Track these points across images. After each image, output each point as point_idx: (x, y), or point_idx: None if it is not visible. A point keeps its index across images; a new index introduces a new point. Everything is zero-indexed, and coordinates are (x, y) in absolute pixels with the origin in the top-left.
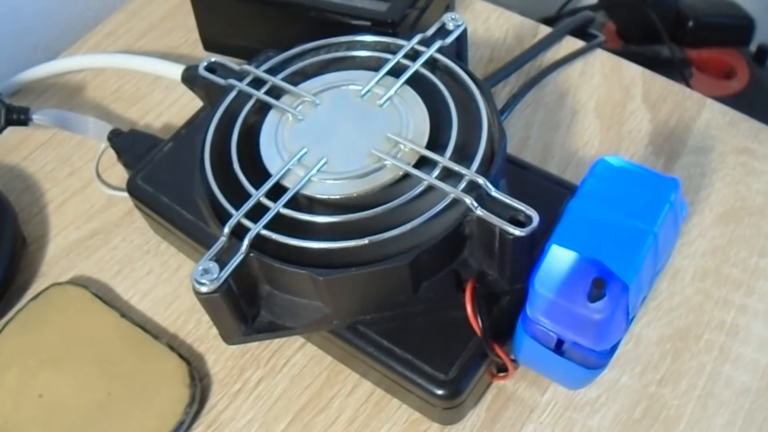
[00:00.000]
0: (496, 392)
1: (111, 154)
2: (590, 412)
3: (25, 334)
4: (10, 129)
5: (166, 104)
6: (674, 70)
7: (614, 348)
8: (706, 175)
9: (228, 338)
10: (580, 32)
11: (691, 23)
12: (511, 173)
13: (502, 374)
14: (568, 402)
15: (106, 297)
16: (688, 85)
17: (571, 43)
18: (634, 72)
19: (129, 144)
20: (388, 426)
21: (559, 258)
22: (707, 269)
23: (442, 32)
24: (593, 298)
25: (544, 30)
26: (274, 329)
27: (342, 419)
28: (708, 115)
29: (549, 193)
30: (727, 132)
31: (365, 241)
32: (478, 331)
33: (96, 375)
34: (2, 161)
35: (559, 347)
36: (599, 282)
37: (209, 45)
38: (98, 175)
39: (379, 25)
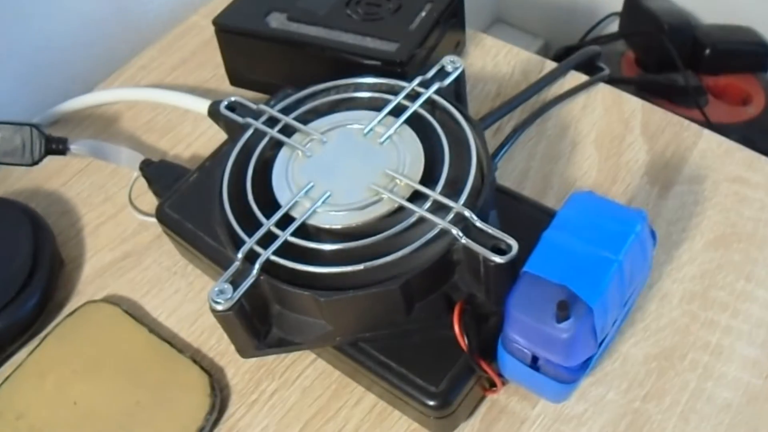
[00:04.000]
0: (490, 405)
1: (143, 181)
2: (577, 425)
3: (62, 346)
4: (50, 158)
5: (195, 135)
6: (689, 97)
7: (586, 364)
8: (699, 203)
9: (242, 352)
10: (587, 65)
11: (708, 51)
12: (505, 203)
13: (492, 388)
14: (556, 415)
15: (136, 314)
16: (702, 112)
17: (575, 78)
18: (634, 105)
19: (158, 173)
20: None
21: (531, 283)
22: (695, 292)
23: (442, 74)
24: (559, 319)
25: (550, 65)
26: (283, 345)
27: (348, 428)
28: (704, 145)
29: (537, 222)
30: (722, 161)
31: (361, 266)
32: (465, 349)
33: (126, 385)
34: (42, 187)
35: (535, 363)
36: (563, 305)
37: (235, 80)
38: (131, 202)
39: (388, 65)
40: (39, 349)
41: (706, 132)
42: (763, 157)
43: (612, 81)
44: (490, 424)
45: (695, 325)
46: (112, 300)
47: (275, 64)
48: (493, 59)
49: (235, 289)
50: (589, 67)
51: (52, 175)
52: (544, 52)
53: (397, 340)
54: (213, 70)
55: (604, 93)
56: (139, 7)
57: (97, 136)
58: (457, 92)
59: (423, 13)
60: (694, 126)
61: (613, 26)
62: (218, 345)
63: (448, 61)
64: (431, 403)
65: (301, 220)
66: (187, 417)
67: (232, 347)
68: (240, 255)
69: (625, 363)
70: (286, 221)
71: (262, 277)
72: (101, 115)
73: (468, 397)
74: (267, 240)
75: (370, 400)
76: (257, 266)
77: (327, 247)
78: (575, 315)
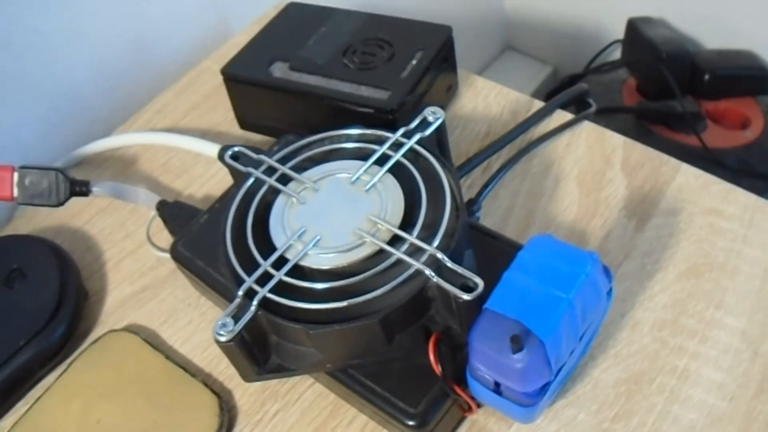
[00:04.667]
0: (470, 425)
1: (160, 219)
2: None
3: (86, 372)
4: (74, 198)
5: (207, 177)
6: (687, 123)
7: (545, 389)
8: (674, 235)
9: (245, 377)
10: (576, 101)
11: (707, 77)
12: (483, 242)
13: (469, 410)
14: None
15: (153, 342)
16: (699, 138)
17: (561, 116)
18: (616, 142)
19: (173, 213)
20: None
21: (491, 318)
22: (666, 320)
23: (424, 124)
24: (514, 351)
25: (538, 105)
26: (281, 371)
27: None
28: (682, 179)
29: (511, 259)
30: (698, 194)
31: (345, 303)
32: (439, 375)
33: (144, 406)
34: (67, 225)
35: (498, 387)
36: (516, 338)
37: (243, 124)
38: (149, 239)
39: (380, 113)
40: (66, 374)
41: (684, 166)
42: (738, 189)
43: (612, 110)
44: None
45: (665, 350)
46: (132, 329)
47: (279, 110)
48: (484, 100)
49: (236, 322)
50: (579, 102)
51: (76, 214)
52: (553, 78)
53: (381, 367)
54: (224, 114)
55: (588, 131)
56: (155, 53)
57: (116, 177)
58: (438, 140)
59: (414, 61)
60: (673, 161)
61: (617, 53)
62: (227, 370)
63: (430, 112)
64: (410, 423)
65: (294, 262)
66: None
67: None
68: (240, 293)
69: (596, 387)
70: (281, 262)
71: (259, 312)
72: (120, 157)
73: (446, 418)
74: (264, 279)
75: (361, 420)
76: (255, 303)
77: (316, 285)
78: (528, 347)
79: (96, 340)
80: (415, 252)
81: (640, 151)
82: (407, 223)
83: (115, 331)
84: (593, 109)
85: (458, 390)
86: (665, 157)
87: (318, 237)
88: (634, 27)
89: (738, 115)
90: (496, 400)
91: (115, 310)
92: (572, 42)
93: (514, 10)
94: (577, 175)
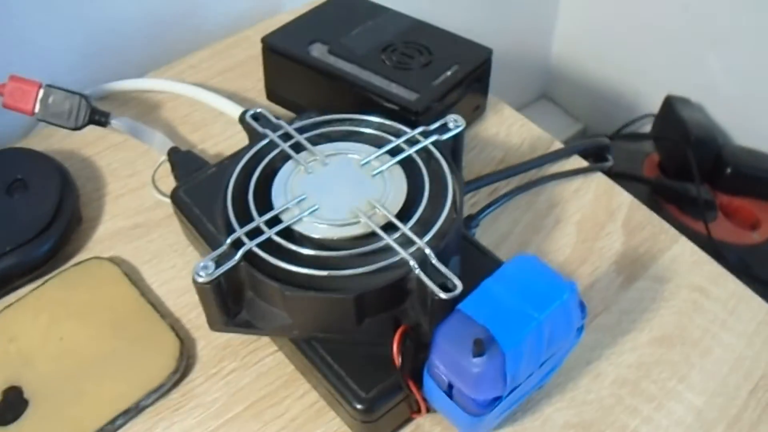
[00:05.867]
0: (414, 428)
1: (167, 166)
2: None
3: (61, 289)
4: (91, 127)
5: (223, 137)
6: (698, 209)
7: (493, 404)
8: (657, 301)
9: (212, 324)
10: (595, 154)
11: (729, 170)
12: (472, 254)
13: (417, 412)
14: None
15: (133, 277)
16: (706, 226)
17: (578, 162)
18: (623, 199)
19: (183, 161)
20: (322, 430)
21: (461, 320)
22: (628, 379)
23: (443, 129)
24: (474, 354)
25: (558, 146)
26: (248, 326)
27: (286, 416)
28: (677, 251)
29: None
30: (690, 269)
31: (325, 273)
32: (397, 365)
33: (108, 333)
34: (79, 152)
35: (450, 390)
36: (479, 342)
37: (271, 95)
38: (153, 181)
39: (405, 111)
40: (41, 288)
41: (683, 239)
42: (729, 275)
43: (629, 176)
44: None
45: (619, 407)
46: (115, 260)
47: (308, 89)
48: (507, 128)
49: (216, 267)
50: (597, 156)
51: (90, 144)
52: (581, 136)
53: (345, 347)
54: (254, 83)
55: (599, 182)
56: (203, 14)
57: (137, 118)
58: (454, 148)
59: (449, 72)
60: (674, 232)
61: (648, 127)
62: (196, 319)
63: (452, 119)
64: (358, 406)
65: (287, 224)
66: (153, 372)
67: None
68: (228, 240)
69: (544, 423)
70: (274, 222)
71: (242, 264)
72: (146, 100)
73: (394, 412)
74: (255, 233)
75: (313, 397)
76: (240, 253)
77: (302, 250)
78: (489, 355)
79: (79, 263)
80: (404, 243)
81: (644, 214)
82: (404, 215)
83: (99, 258)
84: (610, 163)
85: (412, 386)
86: (667, 226)
87: (316, 206)
88: (670, 104)
89: (750, 215)
90: (446, 404)
91: (105, 240)
92: (608, 105)
93: (559, 61)
94: (578, 220)
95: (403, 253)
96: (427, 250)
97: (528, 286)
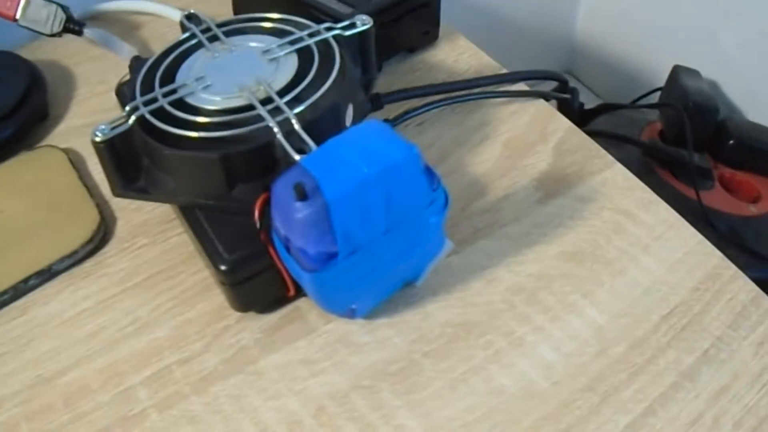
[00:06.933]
0: (292, 309)
1: None
2: (354, 350)
3: (12, 170)
4: (75, 39)
5: None
6: (692, 176)
7: (328, 261)
8: (574, 219)
9: (113, 190)
10: (559, 89)
11: (731, 142)
12: None
13: (288, 291)
14: (341, 338)
15: (78, 165)
16: (697, 194)
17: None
18: (561, 125)
19: (140, 67)
20: (206, 303)
21: (298, 172)
22: (525, 288)
23: (350, 27)
24: (296, 198)
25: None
26: (141, 192)
27: (179, 288)
28: (608, 175)
29: None
30: (619, 193)
31: (196, 134)
32: (258, 226)
33: (42, 209)
34: (59, 61)
35: (288, 246)
36: (299, 186)
37: (236, 12)
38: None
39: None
40: None
41: (618, 166)
42: (663, 204)
43: (622, 138)
44: (283, 323)
45: (509, 313)
46: (66, 150)
47: (262, 4)
48: (457, 56)
49: (112, 129)
50: (561, 91)
51: (71, 55)
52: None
53: (222, 215)
54: (229, 9)
55: (538, 107)
56: None
57: (118, 35)
58: (362, 47)
59: None
60: (609, 158)
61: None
62: (122, 204)
63: (360, 19)
64: (222, 267)
65: (180, 95)
66: (70, 241)
67: (130, 206)
68: (127, 108)
69: (424, 319)
70: (173, 95)
71: (134, 127)
72: (129, 21)
73: (260, 282)
74: (151, 103)
75: (204, 275)
76: (133, 117)
77: (187, 117)
78: (312, 201)
79: (32, 147)
80: (277, 115)
81: (580, 139)
82: (285, 94)
83: (51, 146)
84: (564, 97)
85: (271, 250)
86: (602, 152)
87: (210, 83)
88: (675, 73)
89: (751, 188)
90: (286, 259)
91: (63, 134)
92: (627, 80)
93: (583, 39)
94: (507, 138)
95: (270, 120)
96: (293, 120)
97: (369, 147)
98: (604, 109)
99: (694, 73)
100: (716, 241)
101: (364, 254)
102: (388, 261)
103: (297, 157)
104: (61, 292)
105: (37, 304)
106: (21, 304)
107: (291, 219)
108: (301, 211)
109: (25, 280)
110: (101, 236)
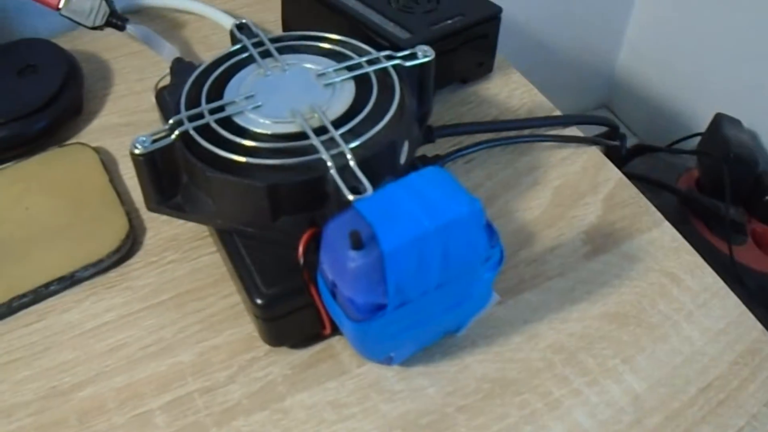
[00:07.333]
0: (325, 347)
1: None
2: (386, 398)
3: (41, 166)
4: (117, 33)
5: None
6: (726, 229)
7: (376, 313)
8: (620, 278)
9: (147, 203)
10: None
11: (767, 198)
12: None
13: (324, 328)
14: (374, 383)
15: (109, 166)
16: (729, 248)
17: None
18: (612, 175)
19: (182, 70)
20: (234, 331)
21: (353, 216)
22: (566, 347)
23: (410, 57)
24: (351, 246)
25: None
26: (178, 209)
27: (206, 312)
28: (657, 234)
29: None
30: (666, 255)
31: (244, 159)
32: (301, 263)
33: (69, 210)
34: (98, 54)
35: (335, 291)
36: (355, 234)
37: (285, 27)
38: (156, 87)
39: (393, 48)
40: (24, 162)
41: (666, 225)
42: (708, 269)
43: (660, 184)
44: (315, 361)
45: (548, 373)
46: (98, 150)
47: (315, 20)
48: (510, 91)
49: (153, 142)
50: (611, 137)
51: (111, 49)
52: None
53: (262, 244)
54: (276, 17)
55: (591, 155)
56: None
57: (160, 33)
58: (420, 79)
59: (449, 21)
60: (658, 215)
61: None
62: (154, 217)
63: (421, 49)
64: (258, 300)
65: (228, 114)
66: (96, 248)
67: (161, 218)
68: (171, 121)
69: (462, 371)
70: (220, 113)
71: (177, 143)
72: (172, 19)
73: (296, 319)
74: (197, 118)
75: (234, 300)
76: (177, 132)
77: (234, 139)
78: (367, 251)
79: (63, 144)
80: (332, 148)
81: (631, 193)
82: (341, 124)
83: (83, 144)
84: (610, 143)
85: (313, 291)
86: (653, 209)
87: (260, 104)
88: (717, 121)
89: None
90: (333, 308)
91: (96, 131)
92: (665, 122)
93: (623, 74)
94: (557, 186)
95: (324, 153)
96: (349, 155)
97: (430, 197)
98: (642, 150)
99: (736, 123)
100: (747, 298)
101: (412, 307)
102: (435, 314)
103: (351, 197)
104: (82, 301)
105: (56, 310)
106: (39, 309)
107: (342, 266)
108: (356, 260)
109: (46, 285)
110: (129, 246)
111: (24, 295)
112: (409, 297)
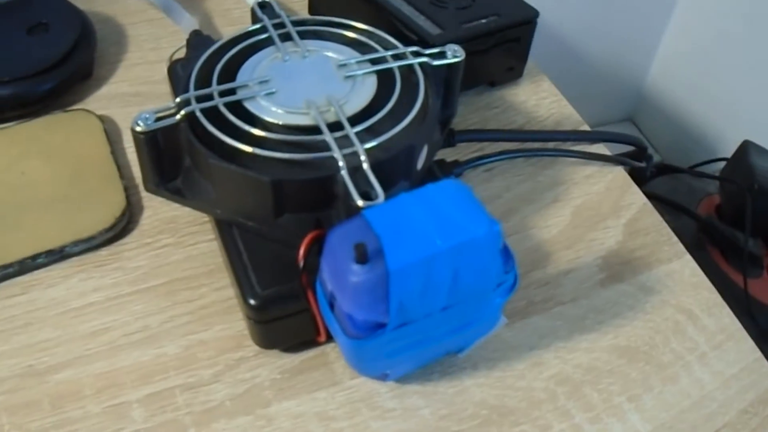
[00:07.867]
0: (318, 354)
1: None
2: (377, 415)
3: (42, 129)
4: (137, 2)
5: None
6: (742, 261)
7: (375, 331)
8: (634, 310)
9: (145, 184)
10: (636, 154)
11: None
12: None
13: (319, 335)
14: (366, 397)
15: (112, 137)
16: (745, 280)
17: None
18: (636, 199)
19: (198, 44)
20: (224, 326)
21: (360, 225)
22: (571, 378)
23: (439, 56)
24: (355, 260)
25: (587, 128)
26: (176, 193)
27: (198, 302)
28: (677, 267)
29: None
30: (685, 290)
31: (250, 149)
32: (300, 266)
33: (66, 179)
34: (115, 19)
35: (334, 301)
36: (360, 247)
37: (312, 8)
38: (170, 59)
39: (422, 44)
40: (25, 124)
41: (687, 257)
42: (726, 309)
43: (679, 208)
44: (306, 368)
45: (549, 405)
46: (103, 118)
47: (344, 6)
48: (539, 99)
49: (156, 120)
50: (637, 157)
51: (129, 14)
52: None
53: (263, 243)
54: None
55: (616, 175)
56: None
57: (180, 2)
58: (447, 80)
59: (483, 20)
60: (680, 247)
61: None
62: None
63: (452, 49)
64: (251, 301)
65: (238, 98)
66: (89, 223)
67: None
68: (177, 99)
69: (459, 394)
70: (230, 95)
71: (182, 124)
72: None
73: (290, 324)
74: (206, 99)
75: (229, 293)
76: (183, 112)
77: (241, 125)
78: (372, 266)
79: (67, 110)
80: (345, 146)
81: (654, 221)
82: (358, 121)
83: (87, 111)
84: (637, 165)
85: (310, 296)
86: (675, 239)
87: (275, 90)
88: (744, 149)
89: None
90: (329, 319)
91: (104, 98)
92: (690, 143)
93: (651, 91)
94: (578, 205)
95: (336, 151)
96: (363, 156)
97: (445, 213)
98: (665, 170)
99: (764, 153)
100: (758, 335)
101: (414, 327)
102: (438, 335)
103: (360, 203)
104: (69, 277)
105: (41, 285)
106: (24, 282)
107: (343, 279)
108: (358, 275)
109: (33, 257)
110: (123, 225)
111: (9, 266)
112: (411, 318)
